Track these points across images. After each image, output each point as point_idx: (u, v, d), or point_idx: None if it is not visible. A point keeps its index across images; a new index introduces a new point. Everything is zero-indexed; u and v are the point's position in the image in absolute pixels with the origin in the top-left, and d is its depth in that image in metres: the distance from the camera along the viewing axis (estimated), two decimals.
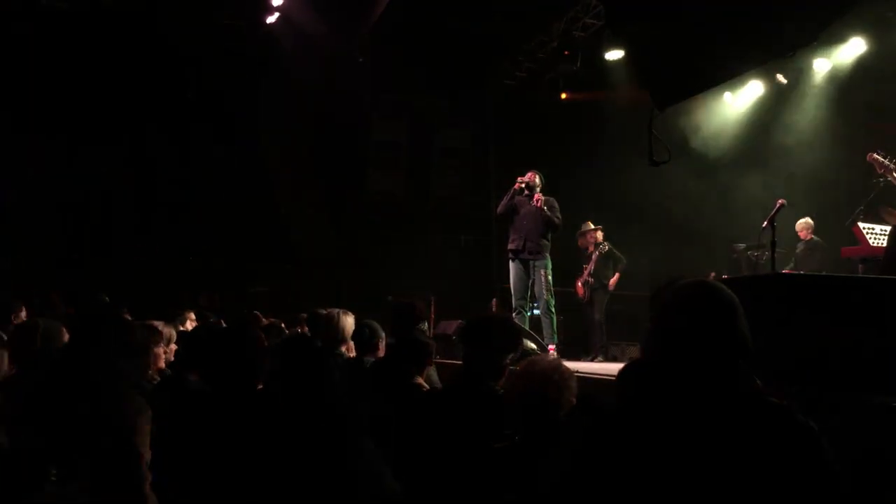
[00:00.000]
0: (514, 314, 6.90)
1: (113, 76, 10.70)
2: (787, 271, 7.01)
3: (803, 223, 7.85)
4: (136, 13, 10.47)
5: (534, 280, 6.94)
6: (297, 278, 11.40)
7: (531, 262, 6.94)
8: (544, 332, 6.90)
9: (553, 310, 6.92)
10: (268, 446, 2.25)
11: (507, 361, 2.94)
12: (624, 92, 9.63)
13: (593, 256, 8.62)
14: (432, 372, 3.91)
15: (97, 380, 2.43)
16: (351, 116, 11.81)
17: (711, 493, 1.58)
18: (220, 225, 11.21)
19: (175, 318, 6.02)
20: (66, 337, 3.05)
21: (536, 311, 7.25)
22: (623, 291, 8.65)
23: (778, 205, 6.04)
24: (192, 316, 6.51)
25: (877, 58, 8.10)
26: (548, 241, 7.00)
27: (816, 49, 8.25)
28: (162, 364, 3.97)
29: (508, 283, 7.20)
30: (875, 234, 6.03)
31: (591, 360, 7.71)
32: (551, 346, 6.72)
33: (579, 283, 8.76)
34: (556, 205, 7.06)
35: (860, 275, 5.82)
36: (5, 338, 3.41)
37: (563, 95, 11.03)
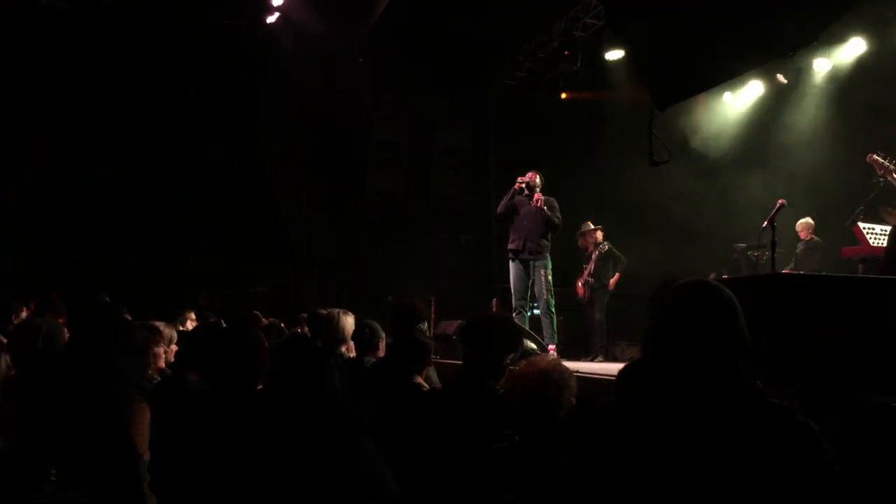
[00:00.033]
0: (514, 314, 6.90)
1: (113, 76, 10.70)
2: (787, 271, 7.01)
3: (803, 223, 7.85)
4: (136, 13, 10.47)
5: (534, 280, 6.94)
6: (297, 278, 11.40)
7: (531, 262, 6.94)
8: (544, 332, 6.90)
9: (553, 310, 6.92)
10: (268, 446, 2.25)
11: (508, 361, 2.94)
12: (624, 92, 9.63)
13: (593, 256, 8.62)
14: (431, 372, 3.91)
15: (97, 380, 2.43)
16: (351, 116, 11.81)
17: (711, 493, 1.58)
18: (220, 225, 11.21)
19: (175, 319, 6.02)
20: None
21: (536, 311, 7.25)
22: (623, 291, 8.65)
23: (778, 205, 6.04)
24: (193, 316, 6.51)
25: (877, 58, 8.10)
26: (548, 241, 7.00)
27: (816, 49, 8.25)
28: (162, 364, 3.97)
29: (508, 283, 7.20)
30: (875, 234, 6.03)
31: (591, 360, 7.71)
32: (551, 346, 6.71)
33: (579, 283, 8.76)
34: (556, 205, 7.06)
35: (860, 275, 5.82)
36: (5, 341, 3.40)
37: (563, 95, 11.03)
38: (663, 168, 4.89)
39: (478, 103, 12.08)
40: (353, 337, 4.36)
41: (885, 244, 5.59)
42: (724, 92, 9.65)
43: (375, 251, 11.41)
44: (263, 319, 6.40)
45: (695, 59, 4.81)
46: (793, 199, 6.77)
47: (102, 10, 10.36)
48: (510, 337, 3.05)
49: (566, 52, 9.96)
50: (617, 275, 8.65)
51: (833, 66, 8.69)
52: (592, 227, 8.82)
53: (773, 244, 5.65)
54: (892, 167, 5.55)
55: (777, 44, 4.56)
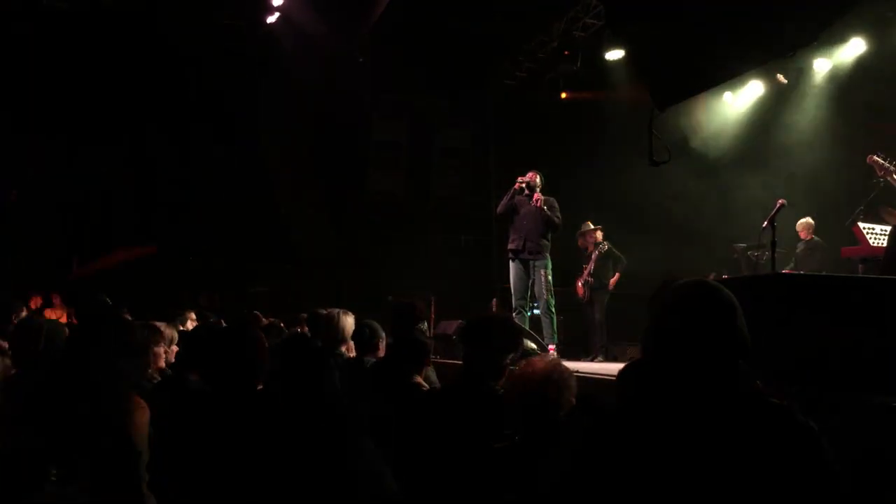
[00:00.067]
0: (514, 314, 6.90)
1: (113, 76, 10.70)
2: (787, 271, 7.01)
3: (803, 223, 7.85)
4: (136, 13, 10.47)
5: (534, 280, 6.94)
6: (297, 278, 11.40)
7: (531, 262, 6.94)
8: (544, 332, 6.90)
9: (553, 310, 6.92)
10: (267, 446, 2.25)
11: (508, 361, 2.94)
12: (624, 92, 9.63)
13: (593, 256, 8.62)
14: (430, 372, 3.91)
15: (97, 380, 2.43)
16: (351, 116, 11.81)
17: (712, 493, 1.58)
18: (220, 225, 11.22)
19: (175, 319, 6.02)
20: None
21: (536, 311, 7.25)
22: (623, 291, 8.65)
23: (778, 205, 6.04)
24: (193, 316, 6.51)
25: (877, 58, 8.10)
26: (548, 240, 7.00)
27: (817, 49, 8.25)
28: (162, 364, 3.97)
29: (508, 283, 7.20)
30: (875, 234, 6.03)
31: (592, 360, 7.71)
32: (551, 346, 6.71)
33: (579, 283, 8.76)
34: (556, 204, 7.06)
35: (860, 275, 5.82)
36: (6, 346, 3.39)
37: (563, 95, 11.03)
38: (663, 168, 4.90)
39: (478, 103, 12.08)
40: (353, 337, 4.37)
41: (885, 244, 5.59)
42: (724, 92, 9.65)
43: (375, 251, 11.41)
44: (263, 319, 6.39)
45: (695, 59, 4.81)
46: (793, 199, 6.77)
47: (102, 10, 10.36)
48: (510, 337, 3.05)
49: (566, 52, 9.96)
50: (617, 275, 8.65)
51: (833, 66, 8.70)
52: (592, 227, 8.81)
53: (773, 244, 5.65)
54: (892, 168, 5.55)
55: (777, 44, 4.56)
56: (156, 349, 3.91)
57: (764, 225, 5.96)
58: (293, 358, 2.51)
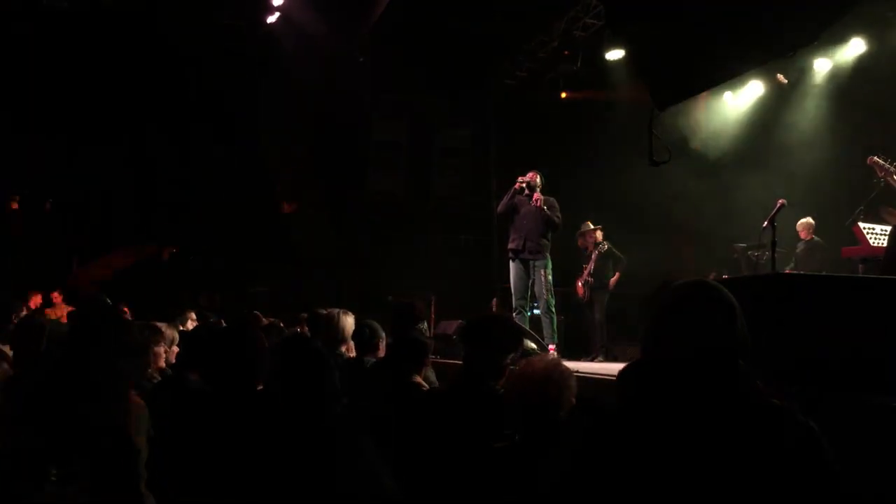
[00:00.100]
0: (514, 314, 6.90)
1: (113, 76, 10.70)
2: (787, 271, 7.01)
3: (804, 223, 7.85)
4: (136, 13, 10.47)
5: (534, 280, 6.94)
6: (297, 278, 11.40)
7: (531, 262, 6.94)
8: (544, 332, 6.90)
9: (553, 309, 6.92)
10: (267, 446, 2.25)
11: (508, 361, 2.94)
12: (624, 92, 9.63)
13: (593, 256, 8.62)
14: (430, 372, 3.91)
15: (97, 380, 2.43)
16: (351, 116, 11.81)
17: (712, 493, 1.58)
18: (220, 225, 11.22)
19: (175, 319, 6.03)
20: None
21: (536, 311, 7.24)
22: (623, 291, 8.65)
23: (778, 205, 6.04)
24: (193, 316, 6.52)
25: (877, 58, 8.10)
26: (548, 240, 7.00)
27: (817, 49, 8.25)
28: (162, 363, 3.98)
29: (509, 282, 7.20)
30: (875, 234, 6.03)
31: (592, 360, 7.71)
32: (551, 346, 6.71)
33: (579, 283, 8.76)
34: (556, 204, 7.06)
35: (860, 275, 5.82)
36: (8, 352, 3.39)
37: (563, 95, 11.03)
38: (663, 168, 4.89)
39: (478, 103, 12.08)
40: (353, 337, 4.36)
41: (885, 244, 5.59)
42: (724, 92, 9.65)
43: (375, 251, 11.40)
44: (263, 319, 6.39)
45: (695, 59, 4.80)
46: (793, 198, 6.77)
47: (102, 10, 10.37)
48: (510, 337, 3.05)
49: (566, 52, 9.96)
50: (617, 274, 8.64)
51: (833, 66, 8.70)
52: (592, 227, 8.81)
53: (774, 244, 5.65)
54: (892, 169, 5.55)
55: (777, 44, 4.56)
56: (156, 349, 3.92)
57: (764, 225, 5.97)
58: (292, 358, 2.51)
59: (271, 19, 10.73)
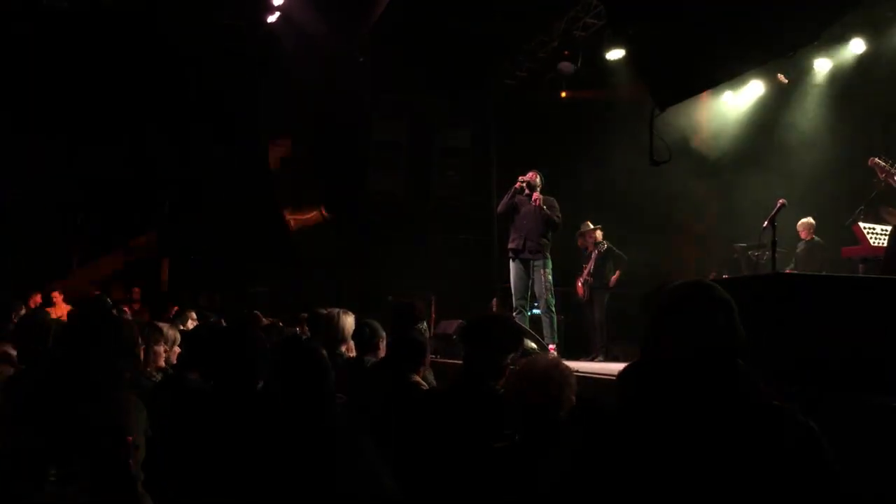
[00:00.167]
0: (514, 314, 6.90)
1: (113, 76, 10.71)
2: (787, 271, 7.01)
3: (804, 223, 7.84)
4: (136, 13, 10.47)
5: (534, 279, 6.94)
6: (297, 278, 11.40)
7: (531, 262, 6.94)
8: (544, 332, 6.90)
9: (553, 309, 6.92)
10: (267, 446, 2.25)
11: (508, 361, 2.94)
12: (625, 92, 9.62)
13: (593, 256, 8.62)
14: (429, 374, 3.90)
15: (97, 380, 2.43)
16: (351, 116, 11.81)
17: (713, 493, 1.58)
18: (220, 225, 11.22)
19: (176, 318, 6.02)
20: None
21: (536, 311, 7.24)
22: (623, 291, 8.65)
23: (778, 204, 6.04)
24: (193, 315, 6.51)
25: (877, 58, 8.10)
26: (548, 240, 7.00)
27: (817, 49, 8.25)
28: (162, 363, 3.97)
29: (509, 282, 7.20)
30: (875, 233, 6.03)
31: (592, 360, 7.71)
32: (551, 346, 6.71)
33: (579, 283, 8.76)
34: (556, 204, 7.06)
35: (860, 275, 5.82)
36: (12, 352, 3.39)
37: (563, 95, 11.02)
38: (663, 168, 4.90)
39: (478, 103, 12.07)
40: (354, 337, 4.36)
41: (885, 244, 5.59)
42: (724, 92, 9.65)
43: (375, 251, 11.40)
44: (263, 319, 6.39)
45: (695, 59, 4.81)
46: (793, 198, 6.77)
47: (102, 10, 10.37)
48: (511, 337, 3.05)
49: (566, 52, 9.95)
50: (617, 273, 8.64)
51: (834, 66, 8.70)
52: (592, 226, 8.81)
53: (774, 244, 5.65)
54: (893, 170, 5.55)
55: (777, 44, 4.57)
56: (156, 348, 3.92)
57: (764, 225, 5.97)
58: (292, 359, 2.51)
59: (271, 19, 10.73)
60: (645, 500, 1.64)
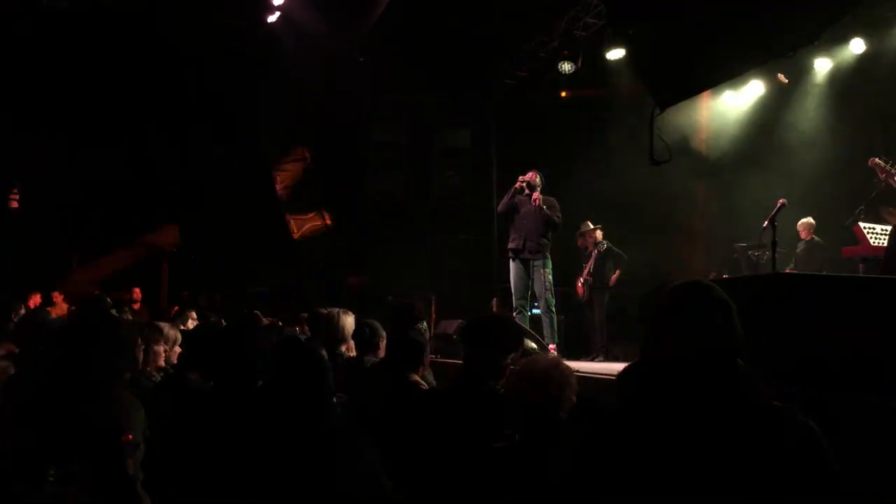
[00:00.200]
0: (514, 314, 6.90)
1: (113, 76, 10.70)
2: (787, 271, 7.01)
3: (804, 223, 7.84)
4: (136, 13, 10.47)
5: (534, 279, 6.94)
6: (297, 278, 11.40)
7: (531, 262, 6.94)
8: (544, 332, 6.90)
9: (553, 309, 6.92)
10: (267, 445, 2.25)
11: (508, 361, 2.94)
12: (625, 91, 9.62)
13: (593, 255, 8.61)
14: (428, 374, 3.90)
15: (97, 380, 2.43)
16: (351, 116, 11.81)
17: (713, 493, 1.58)
18: (220, 225, 11.22)
19: (176, 318, 6.02)
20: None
21: (536, 311, 7.24)
22: (623, 291, 8.65)
23: (779, 204, 6.04)
24: (193, 315, 6.52)
25: (877, 58, 8.10)
26: (548, 240, 7.00)
27: (817, 49, 8.25)
28: (162, 363, 3.98)
29: (509, 282, 7.20)
30: (876, 233, 6.03)
31: (592, 360, 7.71)
32: (552, 346, 6.71)
33: (579, 283, 8.75)
34: (556, 204, 7.06)
35: (861, 275, 5.82)
36: (14, 349, 3.39)
37: (563, 94, 11.02)
38: (663, 168, 4.90)
39: (478, 103, 12.07)
40: (354, 336, 4.36)
41: (885, 244, 5.59)
42: (724, 92, 9.65)
43: (375, 251, 11.40)
44: (263, 319, 6.39)
45: (695, 59, 4.81)
46: (793, 198, 6.77)
47: (102, 10, 10.36)
48: (511, 336, 3.05)
49: (566, 52, 9.95)
50: (617, 272, 8.63)
51: (834, 66, 8.70)
52: (592, 226, 8.81)
53: (774, 244, 5.65)
54: (893, 170, 5.55)
55: (777, 44, 4.57)
56: (155, 348, 3.92)
57: (764, 225, 5.97)
58: (292, 360, 2.51)
59: (271, 19, 10.72)
60: (645, 500, 1.64)
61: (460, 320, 7.06)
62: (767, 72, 8.99)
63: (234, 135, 11.37)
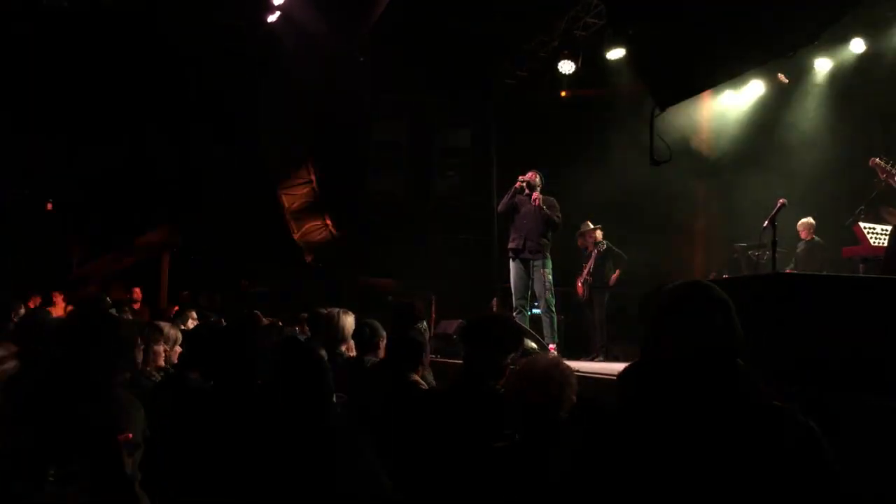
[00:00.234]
0: (514, 314, 6.90)
1: (113, 76, 10.70)
2: (787, 271, 7.01)
3: (804, 223, 7.84)
4: (136, 13, 10.46)
5: (534, 279, 6.94)
6: (297, 278, 11.40)
7: (531, 262, 6.95)
8: (544, 332, 6.90)
9: (553, 309, 6.92)
10: (267, 445, 2.25)
11: (508, 361, 2.94)
12: (625, 91, 9.62)
13: (593, 255, 8.61)
14: (428, 374, 3.90)
15: (97, 380, 2.43)
16: (351, 116, 11.80)
17: (713, 493, 1.58)
18: (220, 225, 11.22)
19: (176, 318, 6.02)
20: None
21: (536, 311, 7.24)
22: (623, 291, 8.65)
23: (779, 204, 6.05)
24: (193, 315, 6.52)
25: (877, 58, 8.10)
26: (548, 240, 7.00)
27: (817, 49, 8.25)
28: (161, 362, 3.98)
29: (509, 282, 7.20)
30: (876, 233, 6.03)
31: (592, 360, 7.71)
32: (552, 346, 6.71)
33: (579, 283, 8.75)
34: (556, 204, 7.07)
35: (861, 274, 5.82)
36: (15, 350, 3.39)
37: (563, 94, 11.02)
38: (663, 168, 4.90)
39: (478, 103, 12.06)
40: (354, 336, 4.36)
41: (885, 244, 5.60)
42: (724, 92, 9.65)
43: (375, 251, 11.40)
44: (263, 319, 6.39)
45: (695, 59, 4.81)
46: (793, 198, 6.77)
47: (102, 10, 10.36)
48: (511, 336, 3.05)
49: (566, 52, 9.95)
50: (617, 271, 8.63)
51: (834, 66, 8.70)
52: (592, 226, 8.81)
53: (774, 244, 5.65)
54: (893, 171, 5.55)
55: (777, 44, 4.57)
56: (155, 347, 3.92)
57: (764, 224, 5.97)
58: (292, 360, 2.51)
59: (271, 19, 10.72)
60: (646, 500, 1.64)
61: (460, 320, 7.06)
62: (767, 72, 8.99)
63: (234, 135, 11.37)
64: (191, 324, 6.10)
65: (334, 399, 2.91)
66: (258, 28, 10.98)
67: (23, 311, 5.37)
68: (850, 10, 5.24)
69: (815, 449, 1.60)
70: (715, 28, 4.60)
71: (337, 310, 4.57)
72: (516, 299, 7.04)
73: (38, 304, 8.74)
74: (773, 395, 1.68)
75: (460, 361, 3.11)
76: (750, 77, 9.18)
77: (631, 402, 1.87)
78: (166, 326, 4.18)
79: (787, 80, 9.03)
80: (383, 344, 4.17)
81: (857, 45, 8.31)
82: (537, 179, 7.10)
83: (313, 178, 12.08)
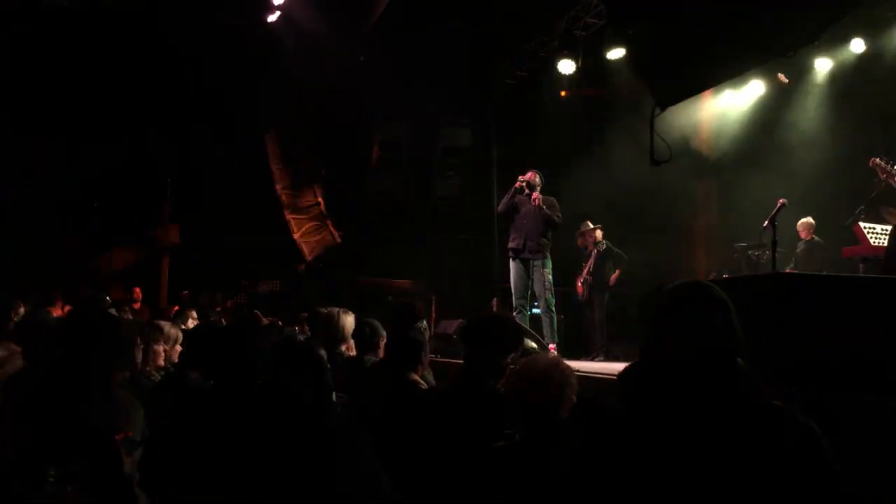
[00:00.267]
0: (514, 313, 6.90)
1: (113, 76, 10.70)
2: (787, 271, 7.01)
3: (804, 223, 7.84)
4: (136, 13, 10.46)
5: (534, 279, 6.94)
6: (297, 278, 11.40)
7: (531, 261, 6.95)
8: (544, 331, 6.90)
9: (553, 309, 6.92)
10: (267, 445, 2.25)
11: (508, 361, 2.94)
12: (625, 91, 9.62)
13: (593, 255, 8.62)
14: (428, 374, 3.90)
15: (97, 380, 2.43)
16: (351, 116, 11.80)
17: (713, 493, 1.58)
18: (220, 224, 11.22)
19: (176, 318, 6.03)
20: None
21: (536, 310, 7.24)
22: (623, 290, 8.65)
23: (779, 204, 6.05)
24: (194, 314, 6.52)
25: (877, 58, 8.10)
26: (548, 240, 7.00)
27: (817, 48, 8.25)
28: (161, 362, 3.98)
29: (509, 282, 7.20)
30: (876, 233, 6.03)
31: (592, 360, 7.71)
32: (552, 345, 6.72)
33: (579, 283, 8.76)
34: (556, 203, 7.07)
35: (861, 274, 5.82)
36: (19, 349, 3.39)
37: (563, 94, 11.02)
38: (664, 168, 4.90)
39: (478, 103, 12.06)
40: (354, 336, 4.36)
41: (885, 244, 5.60)
42: (724, 92, 9.65)
43: (375, 251, 11.40)
44: (263, 319, 6.39)
45: (695, 59, 4.81)
46: (793, 198, 6.77)
47: (102, 9, 10.35)
48: (511, 336, 3.05)
49: (566, 52, 9.95)
50: (617, 271, 8.64)
51: (834, 66, 8.70)
52: (592, 226, 8.82)
53: (774, 244, 5.65)
54: (893, 171, 5.56)
55: (777, 44, 4.57)
56: (155, 347, 3.92)
57: (764, 224, 5.97)
58: (292, 360, 2.51)
59: (271, 19, 10.72)
60: (646, 500, 1.64)
61: (460, 320, 7.07)
62: (767, 72, 8.98)
63: (234, 135, 11.37)
64: (191, 323, 6.10)
65: (334, 399, 2.91)
66: (258, 28, 10.98)
67: (22, 310, 5.37)
68: (850, 10, 5.24)
69: (815, 449, 1.60)
70: (715, 28, 4.60)
71: (337, 309, 4.57)
72: (516, 299, 7.04)
73: (37, 304, 8.74)
74: (773, 395, 1.68)
75: (460, 361, 3.11)
76: (750, 77, 9.18)
77: (631, 402, 1.87)
78: (166, 326, 4.18)
79: (787, 80, 9.03)
80: (383, 343, 4.17)
81: (857, 45, 8.30)
82: (537, 179, 7.10)
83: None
